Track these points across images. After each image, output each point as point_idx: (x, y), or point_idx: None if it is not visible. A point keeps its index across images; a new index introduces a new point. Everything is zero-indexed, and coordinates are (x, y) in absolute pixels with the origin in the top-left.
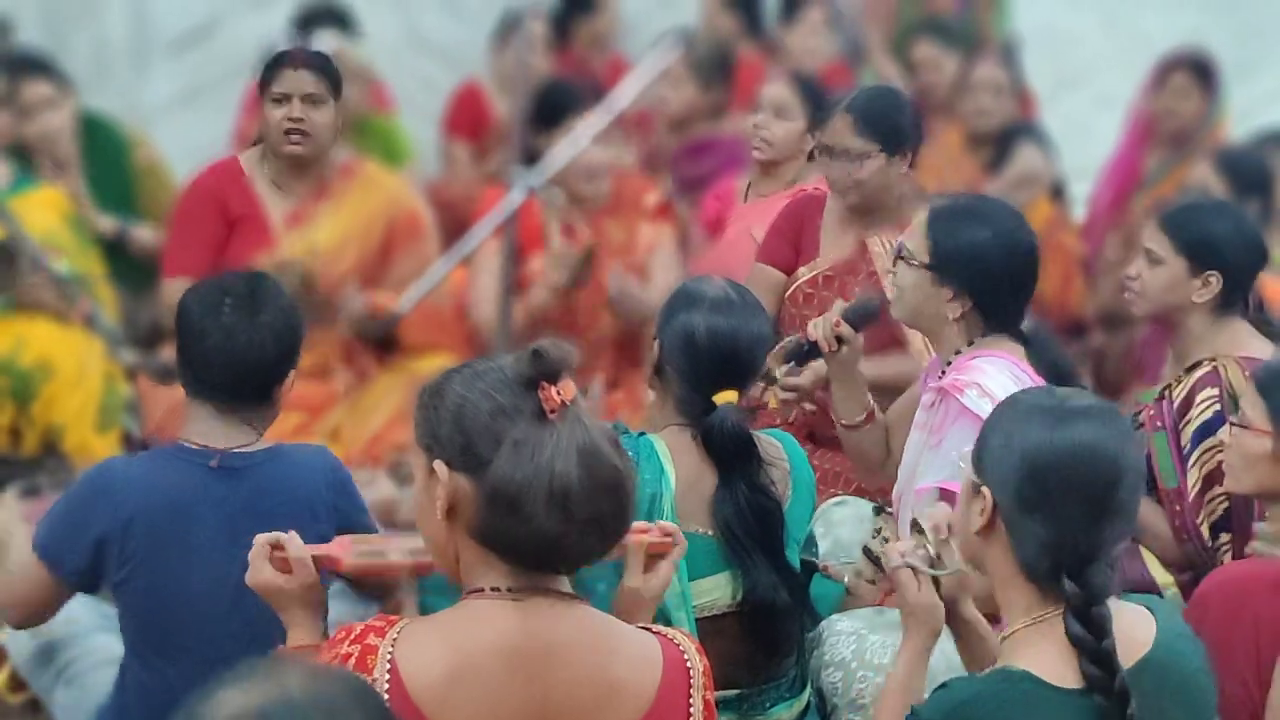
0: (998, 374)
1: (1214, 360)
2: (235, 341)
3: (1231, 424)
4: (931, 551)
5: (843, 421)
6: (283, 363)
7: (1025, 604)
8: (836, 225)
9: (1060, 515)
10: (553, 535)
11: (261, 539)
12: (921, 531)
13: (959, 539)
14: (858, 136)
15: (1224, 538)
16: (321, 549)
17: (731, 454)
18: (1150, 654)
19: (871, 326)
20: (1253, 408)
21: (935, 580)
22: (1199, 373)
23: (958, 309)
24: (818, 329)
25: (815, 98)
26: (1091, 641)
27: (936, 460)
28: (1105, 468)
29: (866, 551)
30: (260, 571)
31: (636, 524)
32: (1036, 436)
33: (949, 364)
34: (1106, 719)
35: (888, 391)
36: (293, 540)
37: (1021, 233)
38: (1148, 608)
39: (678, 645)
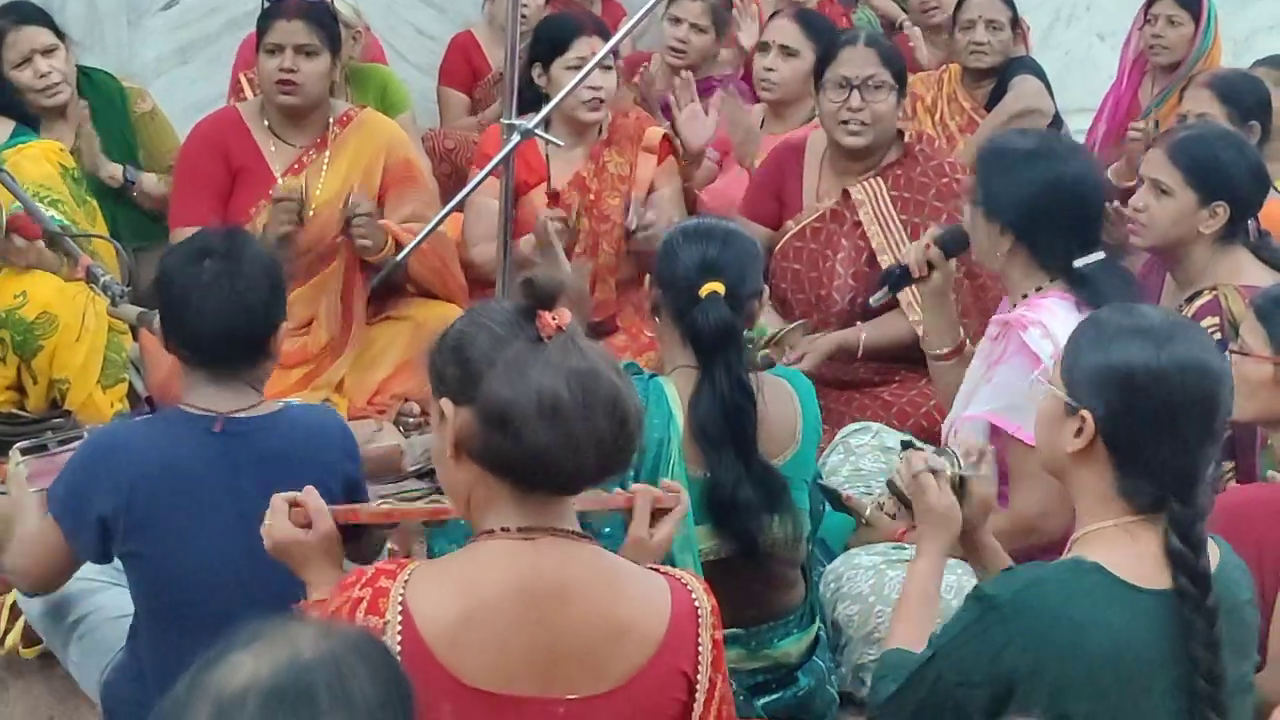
0: (1064, 316)
1: (1215, 289)
2: (217, 302)
3: (1232, 351)
4: (960, 467)
5: (932, 351)
6: (269, 314)
7: (1111, 515)
8: (818, 174)
9: (1171, 435)
10: (544, 449)
11: (279, 496)
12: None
13: (1046, 458)
14: (883, 67)
15: (1226, 465)
16: (338, 506)
17: (713, 342)
18: (1214, 578)
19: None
20: (1252, 334)
21: (955, 488)
22: (1200, 301)
23: (1006, 245)
24: (910, 254)
25: (822, 35)
26: (1191, 558)
27: (987, 390)
28: (1212, 385)
29: (891, 485)
30: (280, 528)
31: (638, 486)
32: (1143, 355)
33: (1014, 306)
34: (1174, 622)
35: (887, 354)
36: (311, 494)
37: (1069, 169)
38: (1210, 536)
39: (686, 585)
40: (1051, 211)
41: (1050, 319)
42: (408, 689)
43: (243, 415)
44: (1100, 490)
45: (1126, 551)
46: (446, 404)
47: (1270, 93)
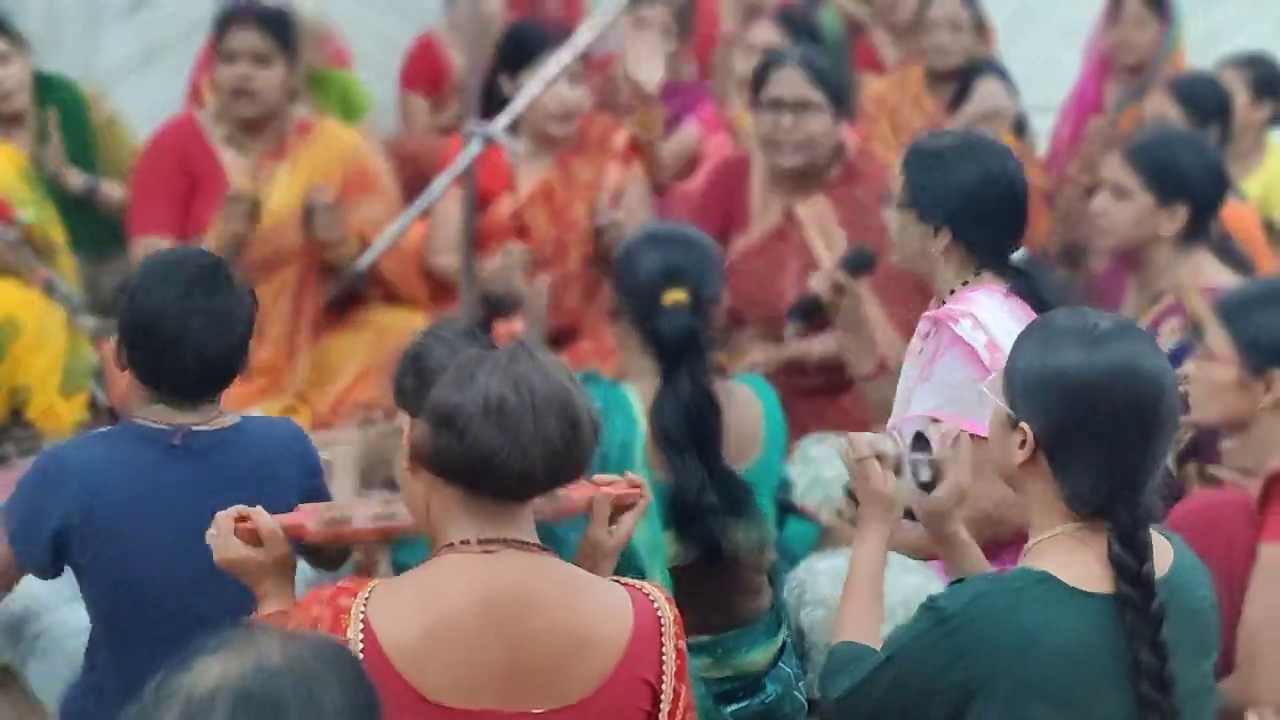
0: (993, 306)
1: (1177, 290)
2: (197, 343)
3: (1196, 356)
4: (897, 451)
5: (855, 374)
6: (245, 348)
7: (1060, 522)
8: (764, 193)
9: (1108, 441)
10: (490, 450)
11: (224, 514)
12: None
13: (1001, 471)
14: (813, 88)
15: (1190, 467)
16: (287, 518)
17: (676, 350)
18: (1164, 580)
19: (868, 273)
20: (1215, 337)
21: (897, 473)
22: (1162, 303)
23: (940, 244)
24: (816, 283)
25: (805, 34)
26: (1134, 564)
27: (926, 389)
28: (1149, 387)
29: (848, 491)
30: (229, 547)
31: (602, 476)
32: (1074, 361)
33: (942, 303)
34: (1123, 624)
35: (836, 368)
36: (259, 512)
37: (998, 165)
38: (1164, 536)
39: (648, 595)
40: (986, 206)
41: (979, 310)
42: (375, 697)
43: (202, 429)
44: (1047, 498)
45: (1074, 558)
46: (405, 417)
47: (1230, 94)
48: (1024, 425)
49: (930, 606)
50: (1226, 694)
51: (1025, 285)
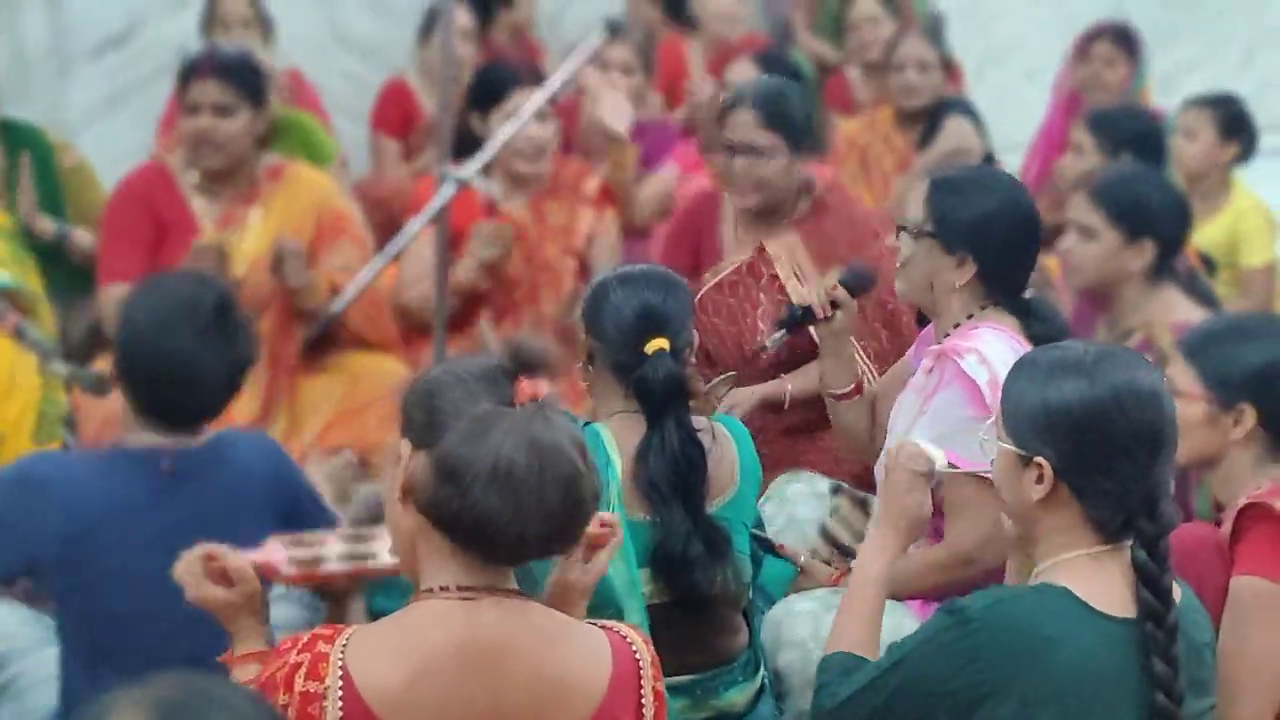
0: (999, 345)
1: (1147, 327)
2: (200, 377)
3: None
4: (940, 463)
5: (831, 391)
6: (241, 384)
7: (1079, 546)
8: (736, 228)
9: (1125, 461)
10: (490, 515)
11: (191, 555)
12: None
13: (1014, 511)
14: (765, 131)
15: None
16: (257, 556)
17: (663, 398)
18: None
19: (865, 293)
20: (1182, 375)
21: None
22: (1132, 340)
23: (965, 275)
24: (813, 295)
25: (784, 73)
26: (1156, 572)
27: (924, 421)
28: (1151, 403)
29: (823, 531)
30: (199, 587)
31: None
32: (1077, 390)
33: (946, 335)
34: (1136, 651)
35: (812, 404)
36: (227, 551)
37: (1025, 199)
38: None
39: (625, 638)
40: (1010, 237)
41: (985, 347)
42: None
43: (185, 450)
44: (1068, 525)
45: (1093, 579)
46: (405, 444)
47: (1151, 123)
48: (1039, 460)
49: (949, 609)
50: None
51: (1040, 329)
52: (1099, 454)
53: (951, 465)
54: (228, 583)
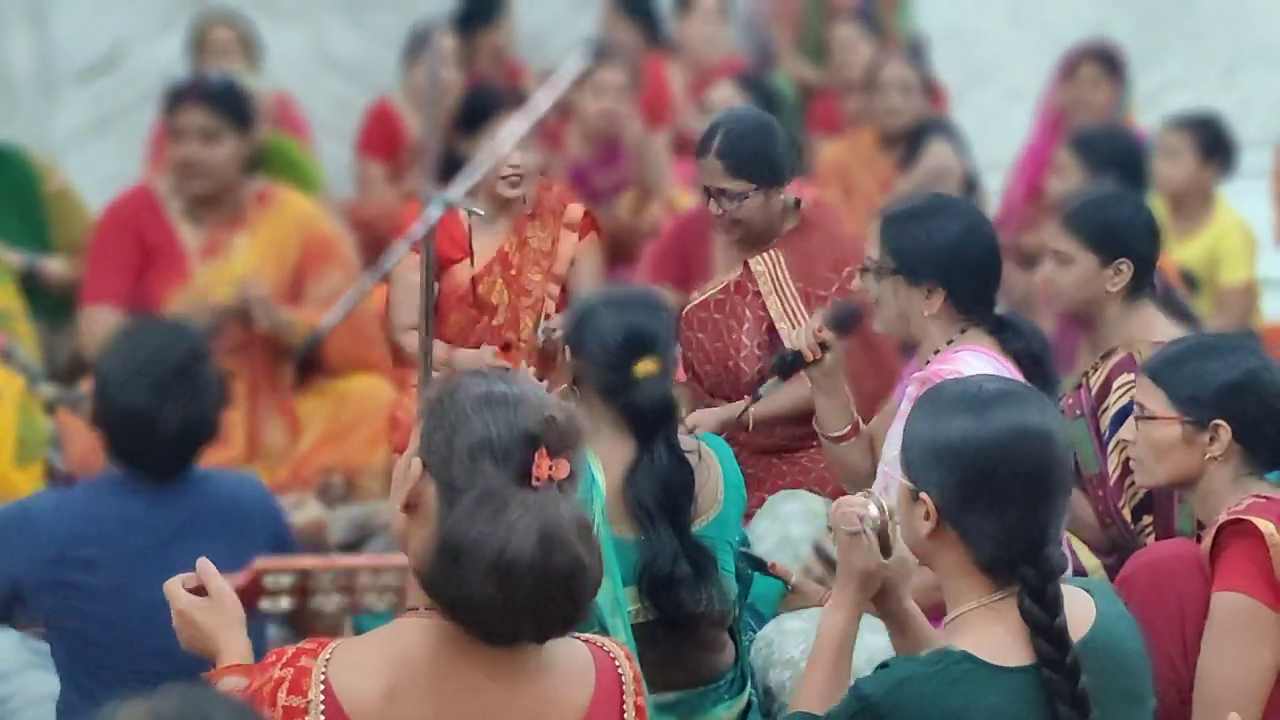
0: (979, 364)
1: (1129, 346)
2: (172, 425)
3: (1137, 419)
4: (882, 516)
5: (828, 434)
6: (217, 425)
7: (975, 592)
8: (725, 246)
9: (1007, 504)
10: (487, 604)
11: (173, 581)
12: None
13: (909, 544)
14: (733, 178)
15: (1146, 520)
16: (236, 577)
17: (653, 420)
18: (1090, 635)
19: (854, 331)
20: (1151, 398)
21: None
22: (1114, 359)
23: (935, 304)
24: (800, 338)
25: (763, 96)
26: (1045, 619)
27: None
28: (1038, 447)
29: (818, 550)
30: (177, 598)
31: None
32: (963, 428)
33: (928, 362)
34: (1045, 695)
35: (795, 420)
36: (205, 568)
37: (978, 220)
38: (1086, 590)
39: (609, 653)
40: (971, 259)
41: (965, 368)
42: None
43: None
44: (961, 568)
45: (991, 632)
46: (418, 461)
47: (1134, 143)
48: (924, 496)
49: (856, 695)
50: None
51: (1019, 344)
52: (980, 494)
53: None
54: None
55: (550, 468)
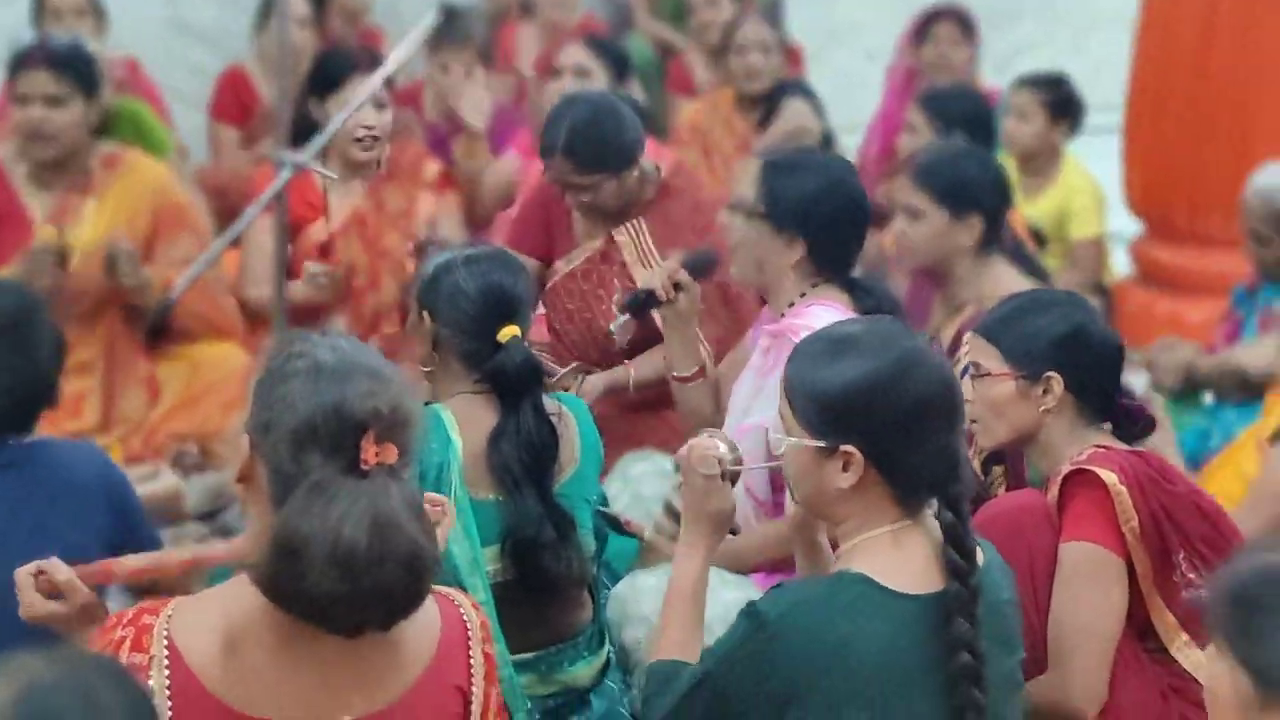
0: (831, 321)
1: (979, 302)
2: (4, 379)
3: (973, 378)
4: (735, 456)
5: (676, 374)
6: (53, 386)
7: (879, 524)
8: (586, 215)
9: (929, 431)
10: (327, 596)
11: (22, 571)
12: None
13: (812, 501)
14: (583, 174)
15: (996, 470)
16: (88, 568)
17: (520, 385)
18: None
19: (708, 278)
20: (985, 356)
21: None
22: (964, 314)
23: (794, 255)
24: (656, 278)
25: (614, 59)
26: (963, 532)
27: (763, 400)
28: (938, 367)
29: (668, 507)
30: (32, 605)
31: None
32: (872, 372)
33: (781, 315)
34: (936, 622)
35: (660, 385)
36: (55, 566)
37: (851, 180)
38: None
39: (454, 602)
40: (840, 217)
41: (818, 324)
42: (151, 706)
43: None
44: (872, 506)
45: (891, 558)
46: (245, 438)
47: (982, 103)
48: (846, 449)
49: (749, 613)
50: (1039, 694)
51: (870, 303)
52: (907, 429)
53: (774, 458)
54: (58, 594)
55: (378, 453)
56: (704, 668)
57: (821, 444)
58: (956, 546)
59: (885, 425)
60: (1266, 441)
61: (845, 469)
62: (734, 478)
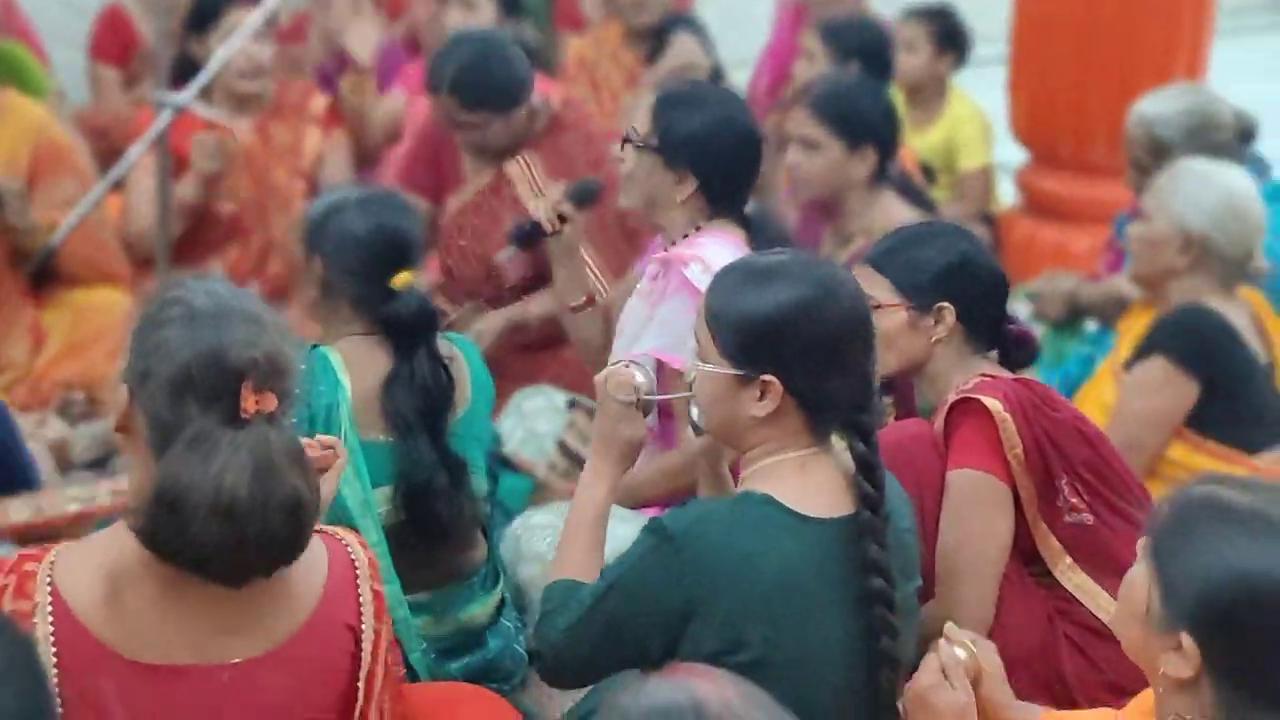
0: (723, 253)
1: (868, 234)
2: None
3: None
4: (649, 384)
5: (565, 303)
6: None
7: (788, 450)
8: (474, 154)
9: (846, 358)
10: (210, 547)
11: None
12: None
13: (723, 429)
14: (471, 112)
15: (886, 400)
16: None
17: (414, 331)
18: None
19: (590, 207)
20: (875, 287)
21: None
22: (854, 245)
23: (685, 191)
24: (540, 209)
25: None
26: (875, 461)
27: (652, 328)
28: (852, 294)
29: (561, 445)
30: None
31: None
32: (791, 300)
33: (672, 244)
34: (842, 547)
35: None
36: None
37: (745, 117)
38: None
39: (341, 540)
40: (732, 154)
41: (709, 255)
42: (48, 695)
43: None
44: (785, 433)
45: (795, 483)
46: (123, 388)
47: (881, 34)
48: (765, 378)
49: (653, 528)
50: (929, 620)
51: (764, 236)
52: (826, 356)
53: (685, 381)
54: None
55: (258, 402)
56: (606, 582)
57: (740, 372)
58: (868, 475)
59: (806, 352)
60: (1122, 369)
61: (762, 397)
62: (647, 408)
